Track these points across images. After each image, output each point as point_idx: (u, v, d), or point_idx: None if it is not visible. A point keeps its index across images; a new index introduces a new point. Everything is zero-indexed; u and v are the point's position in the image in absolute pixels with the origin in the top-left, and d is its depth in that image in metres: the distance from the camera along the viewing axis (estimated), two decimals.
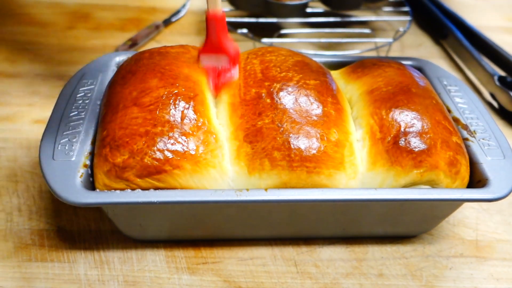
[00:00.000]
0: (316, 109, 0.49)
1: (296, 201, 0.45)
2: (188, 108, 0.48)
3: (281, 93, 0.49)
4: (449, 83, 0.60)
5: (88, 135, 0.48)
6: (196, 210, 0.47)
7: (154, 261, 0.50)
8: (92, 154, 0.47)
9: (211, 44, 0.53)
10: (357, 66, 0.58)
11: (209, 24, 0.52)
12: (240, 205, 0.46)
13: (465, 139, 0.52)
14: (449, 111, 0.55)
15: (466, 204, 0.58)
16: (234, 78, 0.52)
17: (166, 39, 0.88)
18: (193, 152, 0.45)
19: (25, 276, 0.48)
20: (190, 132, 0.46)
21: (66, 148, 0.46)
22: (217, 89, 0.52)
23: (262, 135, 0.47)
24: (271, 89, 0.50)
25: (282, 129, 0.47)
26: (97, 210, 0.54)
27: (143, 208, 0.46)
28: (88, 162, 0.46)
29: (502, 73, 0.78)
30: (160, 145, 0.45)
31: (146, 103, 0.48)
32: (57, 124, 0.49)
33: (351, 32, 0.89)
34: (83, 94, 0.53)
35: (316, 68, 0.55)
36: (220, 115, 0.51)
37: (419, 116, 0.49)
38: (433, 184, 0.48)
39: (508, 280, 0.51)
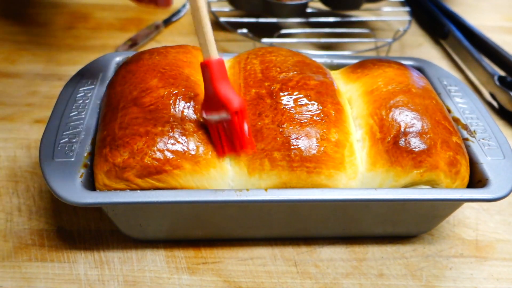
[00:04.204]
0: (316, 109, 0.49)
1: (296, 201, 0.45)
2: (188, 108, 0.48)
3: (281, 94, 0.49)
4: (449, 83, 0.60)
5: (88, 135, 0.48)
6: (196, 210, 0.47)
7: (154, 261, 0.50)
8: (92, 154, 0.47)
9: (209, 96, 0.44)
10: (357, 66, 0.58)
11: (203, 72, 0.45)
12: (240, 205, 0.46)
13: (465, 139, 0.52)
14: (449, 111, 0.55)
15: (466, 204, 0.58)
16: (246, 143, 0.43)
17: (166, 39, 0.88)
18: (193, 152, 0.45)
19: (25, 276, 0.48)
20: (190, 132, 0.46)
21: (66, 148, 0.46)
22: (221, 153, 0.45)
23: (262, 135, 0.47)
24: (271, 89, 0.50)
25: (282, 129, 0.47)
26: (97, 210, 0.54)
27: (143, 208, 0.46)
28: (88, 162, 0.46)
29: (502, 73, 0.78)
30: (160, 145, 0.45)
31: (146, 103, 0.48)
32: (57, 124, 0.49)
33: (351, 32, 0.88)
34: (83, 94, 0.53)
35: (316, 68, 0.55)
36: None
37: (419, 116, 0.49)
38: (433, 184, 0.48)
39: (508, 280, 0.51)
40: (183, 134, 0.46)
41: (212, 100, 0.44)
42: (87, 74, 0.56)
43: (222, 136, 0.44)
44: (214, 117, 0.44)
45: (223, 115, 0.43)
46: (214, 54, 0.44)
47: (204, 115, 0.45)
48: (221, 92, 0.43)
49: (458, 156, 0.48)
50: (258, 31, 0.85)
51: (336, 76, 0.58)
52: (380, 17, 0.98)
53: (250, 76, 0.52)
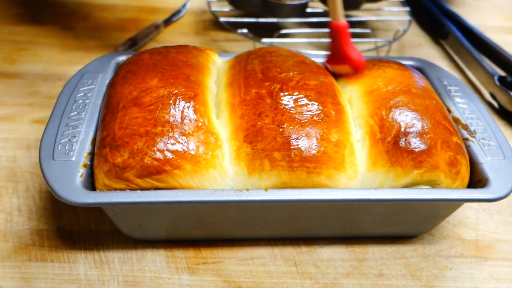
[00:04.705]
0: (316, 109, 0.49)
1: (296, 201, 0.45)
2: (188, 108, 0.48)
3: (281, 94, 0.49)
4: (449, 83, 0.60)
5: (88, 135, 0.48)
6: (196, 210, 0.47)
7: (154, 261, 0.50)
8: (92, 154, 0.47)
9: (336, 53, 0.56)
10: None
11: (333, 34, 0.56)
12: (240, 205, 0.46)
13: (465, 139, 0.52)
14: (449, 111, 0.55)
15: (466, 204, 0.58)
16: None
17: (166, 39, 0.88)
18: (193, 152, 0.45)
19: (25, 276, 0.48)
20: (190, 132, 0.46)
21: (66, 148, 0.46)
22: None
23: (262, 135, 0.47)
24: (271, 89, 0.50)
25: (282, 129, 0.46)
26: (97, 210, 0.54)
27: (143, 208, 0.46)
28: (88, 162, 0.46)
29: (502, 73, 0.78)
30: (160, 145, 0.45)
31: (146, 103, 0.48)
32: (57, 124, 0.49)
33: (351, 32, 0.88)
34: (83, 94, 0.53)
35: (316, 68, 0.55)
36: (220, 115, 0.51)
37: (419, 117, 0.49)
38: (433, 184, 0.48)
39: (508, 280, 0.51)
40: (183, 134, 0.46)
41: (337, 55, 0.56)
42: (87, 74, 0.56)
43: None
44: (336, 68, 0.57)
45: (346, 68, 0.56)
46: (342, 18, 0.56)
47: (329, 66, 0.57)
48: (347, 51, 0.55)
49: (458, 156, 0.48)
50: (258, 31, 0.85)
51: None
52: (380, 17, 0.98)
53: (251, 76, 0.52)
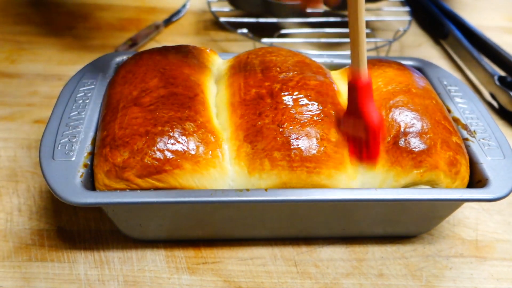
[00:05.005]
0: (316, 109, 0.49)
1: (296, 201, 0.45)
2: (188, 108, 0.48)
3: (281, 93, 0.49)
4: (449, 83, 0.60)
5: (88, 135, 0.48)
6: (196, 210, 0.47)
7: (154, 261, 0.50)
8: (92, 154, 0.47)
9: (352, 110, 0.47)
10: None
11: (350, 88, 0.48)
12: (240, 205, 0.46)
13: (465, 139, 0.52)
14: (449, 111, 0.55)
15: (466, 204, 0.58)
16: (374, 156, 0.47)
17: (166, 39, 0.88)
18: (193, 152, 0.45)
19: (25, 276, 0.48)
20: (190, 132, 0.46)
21: (66, 148, 0.46)
22: (363, 160, 0.47)
23: (262, 135, 0.47)
24: (271, 89, 0.50)
25: (282, 129, 0.47)
26: (97, 210, 0.54)
27: (143, 208, 0.46)
28: (88, 162, 0.46)
29: (502, 73, 0.78)
30: (160, 145, 0.45)
31: (146, 103, 0.48)
32: (57, 124, 0.49)
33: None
34: (83, 94, 0.53)
35: (316, 68, 0.55)
36: (220, 115, 0.51)
37: (419, 116, 0.49)
38: (433, 184, 0.48)
39: (508, 280, 0.51)
40: (183, 134, 0.46)
41: (354, 115, 0.47)
42: (87, 74, 0.56)
43: (355, 144, 0.48)
44: (351, 129, 0.48)
45: (362, 129, 0.46)
46: (364, 70, 0.46)
47: (344, 126, 0.48)
48: (365, 113, 0.46)
49: (458, 156, 0.48)
50: (258, 31, 0.85)
51: (336, 76, 0.58)
52: (380, 17, 0.98)
53: (251, 76, 0.52)
